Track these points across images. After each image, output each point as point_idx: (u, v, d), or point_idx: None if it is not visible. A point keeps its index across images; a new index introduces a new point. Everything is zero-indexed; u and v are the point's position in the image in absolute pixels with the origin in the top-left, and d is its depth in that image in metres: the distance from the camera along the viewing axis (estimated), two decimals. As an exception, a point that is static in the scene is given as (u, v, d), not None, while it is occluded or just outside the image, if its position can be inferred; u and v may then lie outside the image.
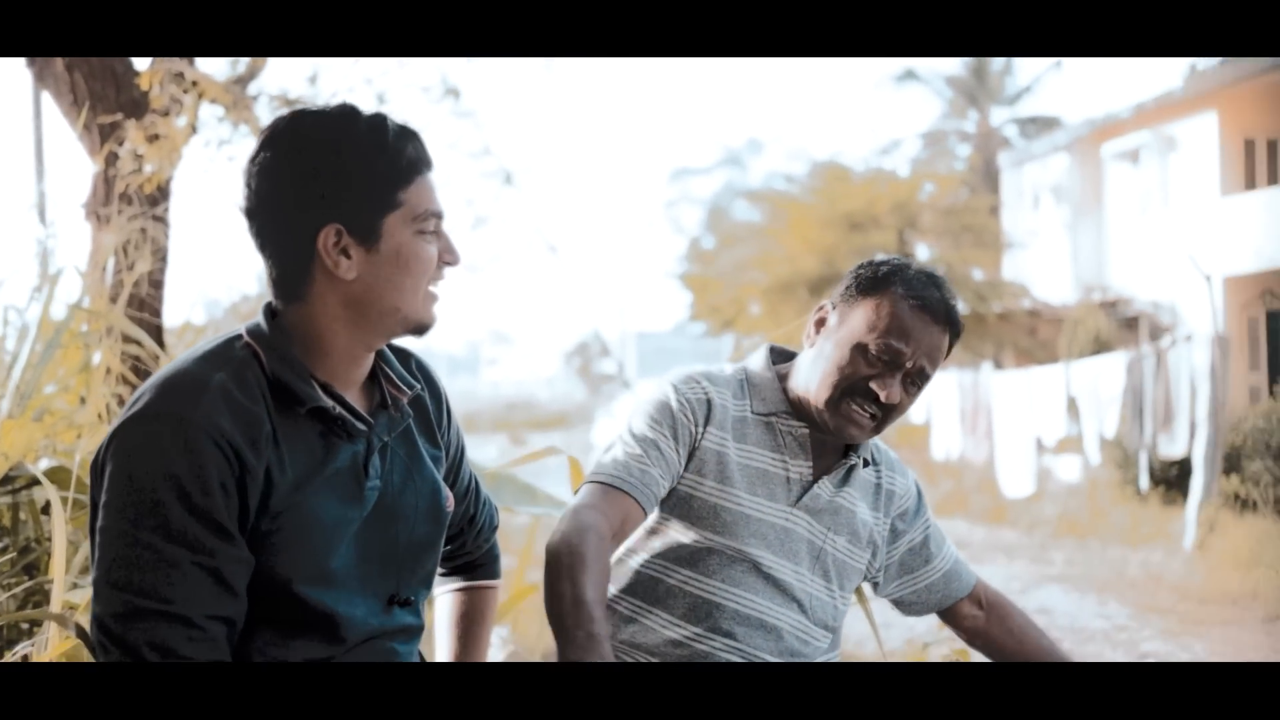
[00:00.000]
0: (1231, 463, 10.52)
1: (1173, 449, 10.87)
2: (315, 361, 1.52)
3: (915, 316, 1.84)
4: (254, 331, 1.52)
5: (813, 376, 1.89)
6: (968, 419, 14.32)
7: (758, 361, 2.00)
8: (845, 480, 1.97)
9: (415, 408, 1.67)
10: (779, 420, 1.93)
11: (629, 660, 1.88)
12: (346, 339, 1.53)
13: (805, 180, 20.43)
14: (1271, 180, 15.27)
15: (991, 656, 2.11)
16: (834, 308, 1.92)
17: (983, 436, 14.00)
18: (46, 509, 2.74)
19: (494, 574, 1.97)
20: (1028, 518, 12.11)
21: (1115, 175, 17.23)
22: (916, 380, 1.85)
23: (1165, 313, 15.43)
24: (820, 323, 1.93)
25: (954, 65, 26.86)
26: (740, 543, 1.86)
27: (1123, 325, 15.92)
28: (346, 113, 1.51)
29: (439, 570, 1.86)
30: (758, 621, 1.86)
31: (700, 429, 1.88)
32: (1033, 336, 17.34)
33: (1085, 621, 7.63)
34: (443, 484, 1.68)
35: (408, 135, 1.53)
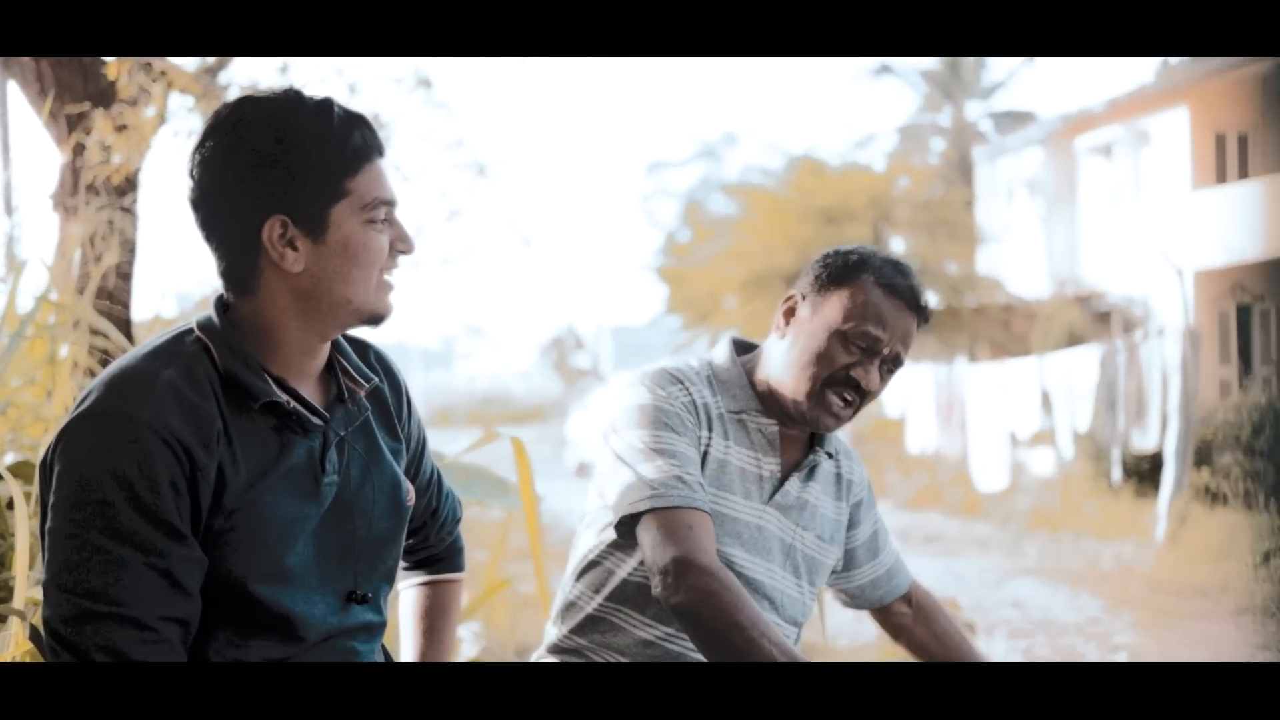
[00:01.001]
0: (1202, 456, 10.58)
1: (1145, 442, 10.94)
2: (268, 355, 1.49)
3: (889, 303, 1.85)
4: (205, 326, 1.48)
5: (788, 367, 1.87)
6: (942, 412, 14.37)
7: (722, 355, 1.98)
8: (811, 475, 1.96)
9: (374, 400, 1.63)
10: (749, 418, 1.91)
11: (599, 661, 1.86)
12: (299, 332, 1.49)
13: (781, 174, 20.46)
14: (1242, 174, 15.37)
15: (914, 654, 2.14)
16: (804, 298, 1.91)
17: (957, 430, 14.05)
18: (11, 504, 2.70)
19: (458, 567, 1.94)
20: (1001, 511, 12.16)
21: (1088, 169, 17.31)
22: (892, 366, 1.85)
23: (1138, 306, 15.51)
24: (790, 312, 1.91)
25: (929, 59, 26.95)
26: (718, 543, 1.83)
27: (1096, 319, 16.00)
28: (291, 100, 1.46)
29: (402, 564, 1.83)
30: None
31: (706, 432, 1.86)
32: (1007, 330, 17.40)
33: (1058, 614, 7.66)
34: (403, 478, 1.65)
35: (355, 121, 1.48)
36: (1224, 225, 14.36)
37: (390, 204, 1.50)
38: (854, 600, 2.14)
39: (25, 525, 2.12)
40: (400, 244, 1.52)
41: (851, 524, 2.06)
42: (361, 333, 1.63)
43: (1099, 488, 11.78)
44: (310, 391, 1.54)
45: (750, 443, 1.90)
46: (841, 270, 1.88)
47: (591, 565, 1.92)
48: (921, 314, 1.88)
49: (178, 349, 1.46)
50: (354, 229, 1.46)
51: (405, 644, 1.90)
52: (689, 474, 1.77)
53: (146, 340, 1.50)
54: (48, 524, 1.38)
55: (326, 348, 1.56)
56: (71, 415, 1.41)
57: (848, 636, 6.25)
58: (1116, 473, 11.46)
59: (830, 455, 2.00)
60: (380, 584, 1.61)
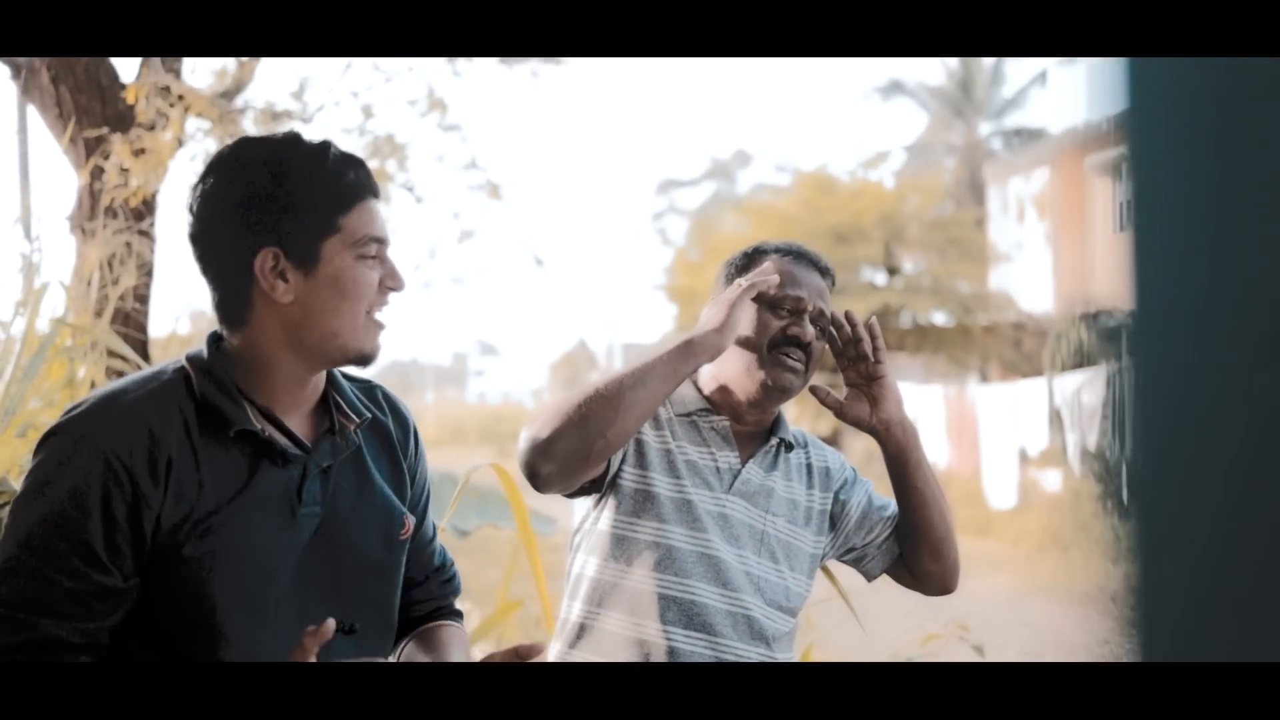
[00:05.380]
0: (1214, 475, 10.57)
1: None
2: (257, 385, 1.52)
3: (796, 267, 2.02)
4: (192, 356, 1.53)
5: (733, 355, 1.98)
6: (953, 431, 14.37)
7: None
8: (773, 465, 2.06)
9: (375, 434, 1.66)
10: (699, 417, 2.02)
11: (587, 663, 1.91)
12: (288, 364, 1.52)
13: (792, 192, 20.50)
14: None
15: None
16: None
17: (968, 449, 14.05)
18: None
19: (457, 618, 1.89)
20: (1013, 530, 12.15)
21: (1098, 188, 17.32)
22: (819, 321, 2.00)
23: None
24: None
25: (940, 77, 27.00)
26: (683, 528, 1.92)
27: (1106, 337, 15.98)
28: (289, 140, 1.52)
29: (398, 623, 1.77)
30: (709, 609, 1.90)
31: (650, 431, 1.98)
32: (1018, 349, 17.41)
33: (1069, 634, 7.65)
34: (400, 510, 1.65)
35: (349, 162, 1.53)
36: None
37: (381, 241, 1.54)
38: (870, 573, 2.18)
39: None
40: (390, 281, 1.55)
41: (844, 505, 2.13)
42: (363, 373, 1.67)
43: (1108, 507, 11.76)
44: (299, 423, 1.56)
45: (703, 440, 2.01)
46: (746, 261, 2.06)
47: (572, 577, 2.00)
48: (826, 274, 2.06)
49: (157, 376, 1.51)
50: (345, 263, 1.50)
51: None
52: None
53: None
54: None
55: (319, 381, 1.59)
56: (43, 435, 1.47)
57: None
58: (1125, 492, 11.45)
59: (791, 446, 2.09)
60: (371, 615, 1.61)
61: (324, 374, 1.60)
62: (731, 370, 2.00)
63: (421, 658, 1.78)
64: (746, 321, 1.97)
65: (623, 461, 1.94)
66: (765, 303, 1.98)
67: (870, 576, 2.21)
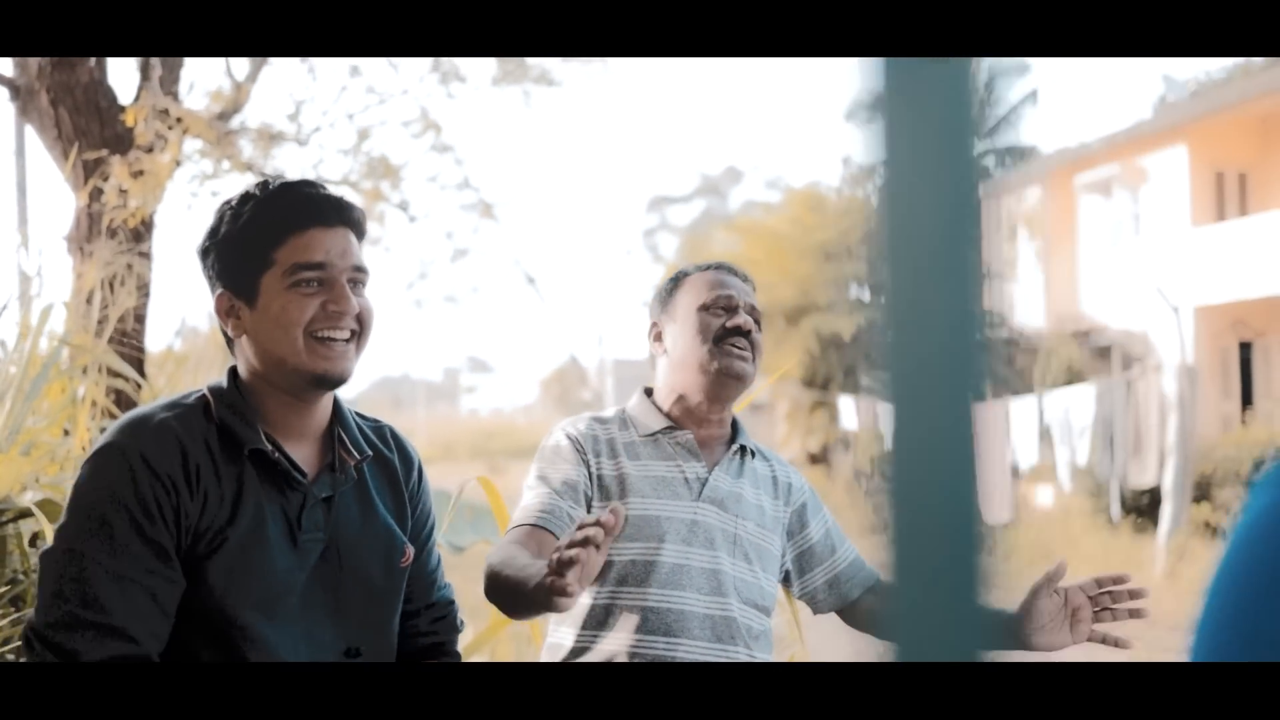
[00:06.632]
0: (1202, 491, 10.65)
1: (1142, 478, 11.00)
2: (258, 414, 1.64)
3: (718, 274, 2.21)
4: (212, 387, 1.66)
5: (681, 363, 2.14)
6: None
7: (634, 398, 2.23)
8: (740, 472, 2.17)
9: (380, 468, 1.77)
10: (664, 435, 2.14)
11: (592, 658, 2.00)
12: (270, 392, 1.65)
13: (782, 209, 20.57)
14: (1242, 212, 15.48)
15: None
16: (661, 318, 2.21)
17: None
18: (33, 541, 2.79)
19: (453, 649, 1.94)
20: (1003, 545, 12.18)
21: (1087, 206, 17.43)
22: (753, 314, 2.17)
23: (1138, 342, 15.60)
24: (658, 336, 2.21)
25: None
26: (657, 542, 2.02)
27: (1096, 355, 16.08)
28: (246, 190, 1.67)
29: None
30: (691, 615, 2.00)
31: (594, 459, 2.08)
32: (1009, 366, 17.44)
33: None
34: (401, 538, 1.75)
35: (286, 197, 1.65)
36: (1224, 262, 14.45)
37: (316, 267, 1.63)
38: (820, 603, 2.29)
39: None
40: (332, 304, 1.63)
41: (801, 525, 2.25)
42: (376, 414, 1.82)
43: (1098, 523, 11.83)
44: (303, 453, 1.68)
45: (668, 455, 2.13)
46: (673, 283, 2.24)
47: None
48: (746, 279, 2.23)
49: (183, 401, 1.64)
50: (278, 293, 1.61)
51: None
52: (554, 501, 2.01)
53: (164, 396, 1.66)
54: (50, 544, 1.53)
55: (317, 412, 1.69)
56: (88, 452, 1.59)
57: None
58: (1115, 508, 11.51)
59: (753, 454, 2.22)
60: (372, 637, 1.70)
61: (328, 407, 1.71)
62: (686, 376, 2.13)
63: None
64: (689, 331, 2.13)
65: (590, 501, 2.05)
66: (702, 309, 2.14)
67: (817, 611, 2.31)
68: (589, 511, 2.03)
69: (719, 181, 41.01)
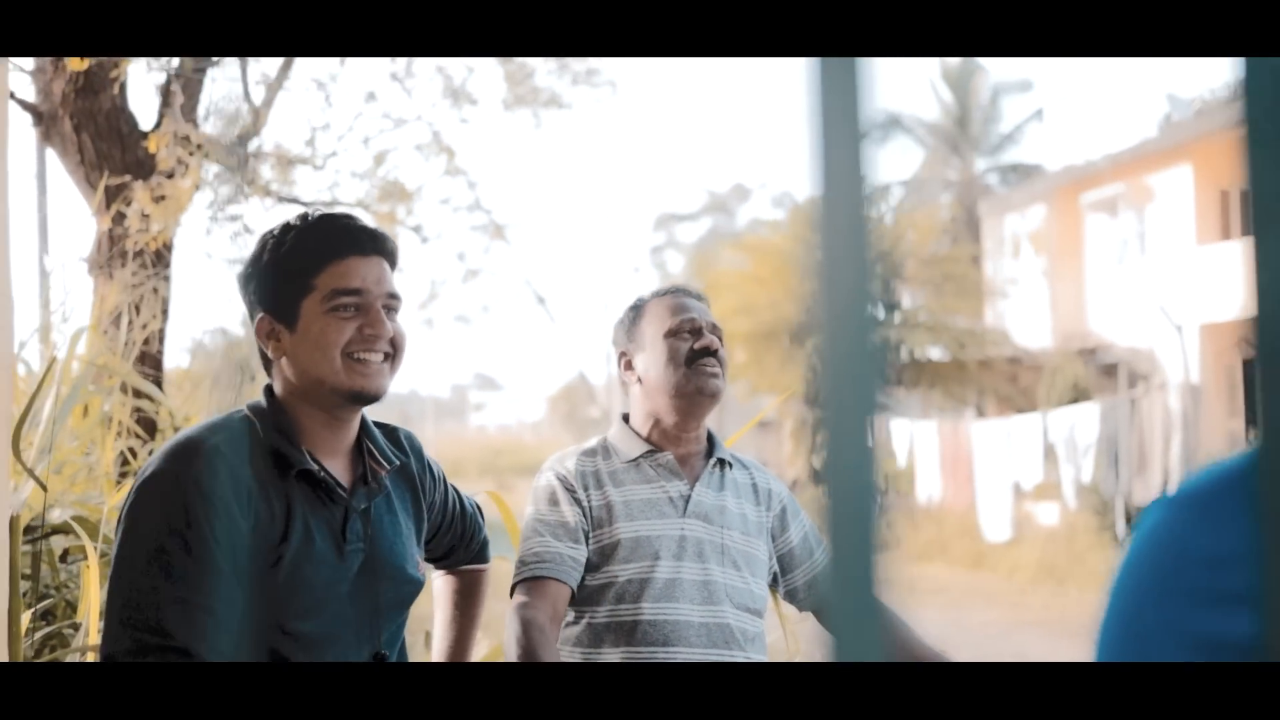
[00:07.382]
0: (1206, 509, 10.66)
1: (1147, 495, 11.05)
2: (297, 432, 1.73)
3: (677, 298, 2.30)
4: (253, 406, 1.75)
5: (655, 388, 2.23)
6: (949, 465, 14.48)
7: (614, 428, 2.34)
8: (721, 485, 2.27)
9: (401, 479, 1.87)
10: (645, 459, 2.24)
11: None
12: (306, 410, 1.74)
13: (788, 227, 20.64)
14: (1246, 230, 15.51)
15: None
16: (628, 349, 2.31)
17: (964, 482, 14.16)
18: (64, 557, 2.89)
19: (485, 560, 2.21)
20: (1007, 563, 12.24)
21: (1093, 224, 17.51)
22: (715, 332, 2.26)
23: (1143, 360, 15.66)
24: (629, 365, 2.31)
25: (936, 113, 27.23)
26: (651, 560, 2.13)
27: (1101, 373, 16.13)
28: (286, 221, 1.78)
29: (437, 570, 2.16)
30: (688, 625, 2.11)
31: (584, 493, 2.19)
32: (1013, 384, 17.53)
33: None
34: (415, 553, 1.87)
35: (328, 227, 1.76)
36: (1229, 280, 14.51)
37: (353, 293, 1.73)
38: (801, 601, 2.40)
39: (96, 573, 2.30)
40: (368, 328, 1.74)
41: (784, 527, 2.35)
42: (386, 417, 1.92)
43: (1104, 540, 11.88)
44: (337, 467, 1.78)
45: (650, 478, 2.23)
46: (635, 312, 2.32)
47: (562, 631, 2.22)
48: (701, 299, 2.33)
49: (228, 423, 1.72)
50: (317, 317, 1.71)
51: (439, 618, 2.19)
52: (556, 547, 2.12)
53: (208, 418, 1.77)
54: (112, 571, 1.61)
55: (349, 428, 1.80)
56: (137, 478, 1.65)
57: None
58: (1120, 525, 11.56)
59: (731, 464, 2.32)
60: (394, 642, 1.84)
61: (358, 422, 1.81)
62: (661, 400, 2.23)
63: (451, 601, 2.17)
64: (660, 358, 2.23)
65: (588, 536, 2.16)
66: (670, 335, 2.23)
67: (800, 610, 2.43)
68: (588, 545, 2.14)
69: (726, 199, 41.14)
